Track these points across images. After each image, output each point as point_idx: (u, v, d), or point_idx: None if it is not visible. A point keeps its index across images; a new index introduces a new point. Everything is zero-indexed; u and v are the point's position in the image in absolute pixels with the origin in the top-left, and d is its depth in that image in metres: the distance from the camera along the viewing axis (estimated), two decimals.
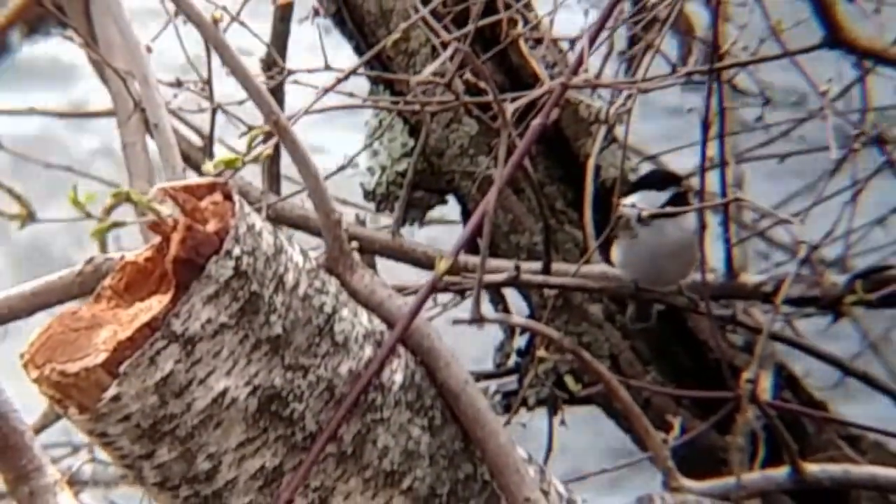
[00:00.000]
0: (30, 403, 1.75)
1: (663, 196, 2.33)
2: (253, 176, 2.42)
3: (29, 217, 1.89)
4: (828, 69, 2.42)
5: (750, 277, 2.47)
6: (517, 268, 2.32)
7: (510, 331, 2.63)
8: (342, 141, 2.78)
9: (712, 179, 2.35)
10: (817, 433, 2.64)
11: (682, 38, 2.85)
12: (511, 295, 2.70)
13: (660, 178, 2.39)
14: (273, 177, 2.57)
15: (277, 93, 2.38)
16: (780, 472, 2.11)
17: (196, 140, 2.46)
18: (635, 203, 2.32)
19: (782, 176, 3.07)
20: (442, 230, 2.85)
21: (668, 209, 2.31)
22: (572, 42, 2.54)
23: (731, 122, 2.65)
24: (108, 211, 1.79)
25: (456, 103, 2.25)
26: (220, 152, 1.90)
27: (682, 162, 2.78)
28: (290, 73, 2.28)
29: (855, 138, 2.49)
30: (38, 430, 2.19)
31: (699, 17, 2.83)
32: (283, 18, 2.59)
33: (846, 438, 2.65)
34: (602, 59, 2.66)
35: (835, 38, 2.28)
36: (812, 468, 2.11)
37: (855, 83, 2.54)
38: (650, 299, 2.43)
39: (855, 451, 2.63)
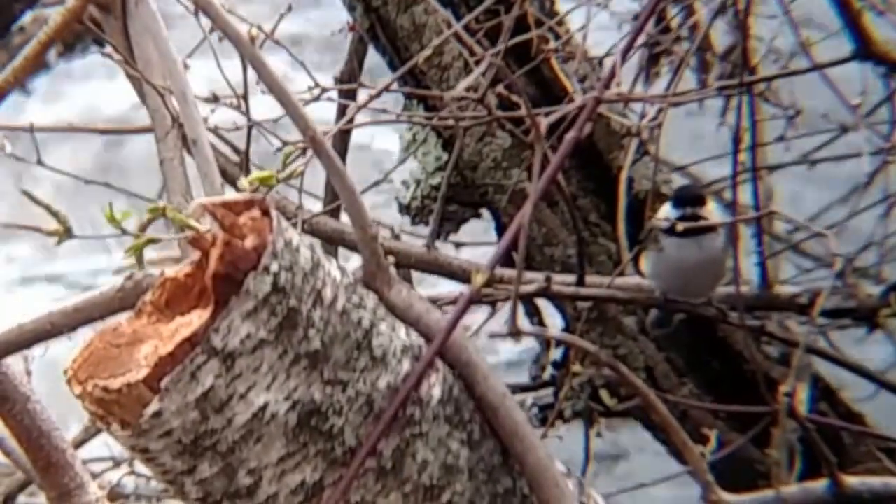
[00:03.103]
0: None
1: (675, 213, 2.29)
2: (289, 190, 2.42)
3: (66, 233, 1.89)
4: (853, 86, 2.41)
5: (784, 289, 2.46)
6: (548, 279, 2.32)
7: (546, 343, 2.63)
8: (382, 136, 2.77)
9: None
10: (855, 444, 2.63)
11: (702, 52, 2.85)
12: (546, 308, 2.70)
13: (685, 197, 2.36)
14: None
15: None
16: (820, 485, 2.10)
17: (233, 156, 2.47)
18: (668, 217, 2.31)
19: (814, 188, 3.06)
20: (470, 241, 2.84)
21: (702, 223, 2.29)
22: (601, 60, 2.55)
23: (761, 135, 2.65)
24: (144, 227, 1.80)
25: (489, 117, 2.25)
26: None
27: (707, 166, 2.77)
28: (325, 90, 2.28)
29: (888, 150, 2.49)
30: (79, 443, 2.20)
31: (715, 31, 2.83)
32: None
33: (885, 450, 2.64)
34: (633, 73, 2.67)
35: (866, 52, 2.28)
36: (851, 481, 2.10)
37: (888, 98, 2.53)
38: (679, 310, 2.42)
39: (894, 462, 2.61)
